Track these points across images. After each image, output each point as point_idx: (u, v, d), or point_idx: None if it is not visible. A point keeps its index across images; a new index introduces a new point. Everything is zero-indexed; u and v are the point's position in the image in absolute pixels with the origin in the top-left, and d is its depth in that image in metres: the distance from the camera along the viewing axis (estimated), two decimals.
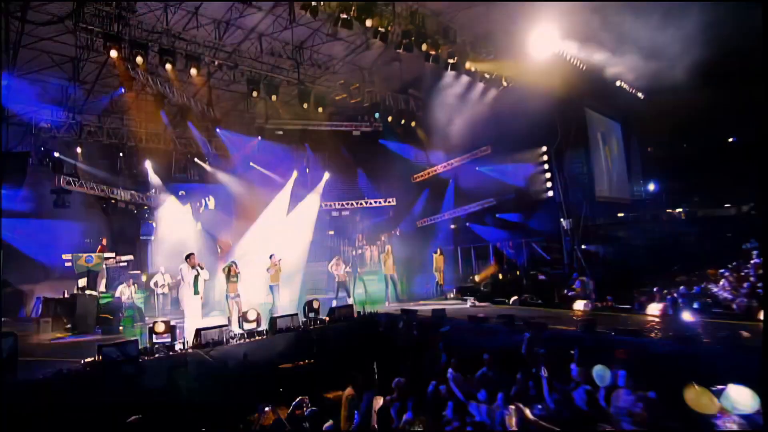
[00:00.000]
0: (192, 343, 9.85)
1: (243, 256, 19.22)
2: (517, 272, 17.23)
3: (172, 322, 9.83)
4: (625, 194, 21.91)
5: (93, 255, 15.07)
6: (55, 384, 7.91)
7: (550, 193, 18.20)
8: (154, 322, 9.62)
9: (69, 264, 14.88)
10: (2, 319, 14.63)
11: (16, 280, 17.03)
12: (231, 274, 11.80)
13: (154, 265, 16.90)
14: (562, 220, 18.26)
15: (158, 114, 17.27)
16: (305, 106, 17.93)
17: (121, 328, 13.92)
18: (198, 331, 9.87)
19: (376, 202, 21.91)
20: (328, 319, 11.89)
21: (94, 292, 14.64)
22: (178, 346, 9.66)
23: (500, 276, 16.28)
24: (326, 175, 22.51)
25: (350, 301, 14.52)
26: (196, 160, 20.38)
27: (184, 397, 8.76)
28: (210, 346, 9.75)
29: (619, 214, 20.97)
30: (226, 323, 10.47)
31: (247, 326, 10.55)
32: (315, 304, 11.66)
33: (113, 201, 16.64)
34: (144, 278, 16.84)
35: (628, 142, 22.47)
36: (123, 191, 17.18)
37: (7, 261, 16.46)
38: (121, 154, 18.61)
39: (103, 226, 16.54)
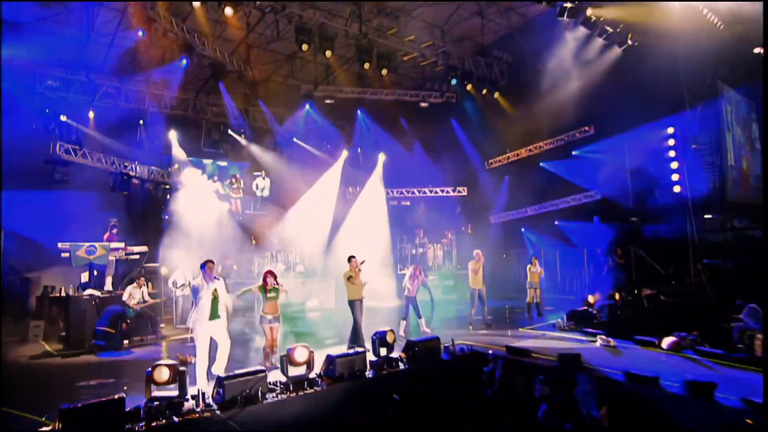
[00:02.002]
0: (211, 398, 6.43)
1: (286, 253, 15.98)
2: (634, 290, 13.25)
3: (182, 366, 6.37)
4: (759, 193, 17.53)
5: (96, 245, 11.85)
6: None
7: (677, 189, 14.08)
8: (154, 367, 6.18)
9: (66, 255, 11.72)
10: None
11: (22, 266, 14.18)
12: (267, 288, 8.34)
13: (169, 259, 13.64)
14: (687, 223, 14.21)
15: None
16: (366, 66, 14.23)
17: (125, 342, 10.74)
18: (220, 382, 6.41)
19: (443, 191, 18.11)
20: (404, 356, 8.31)
21: (96, 292, 11.48)
22: (189, 404, 6.25)
23: (617, 296, 12.33)
24: (382, 156, 18.90)
25: (425, 326, 10.90)
26: (229, 132, 17.03)
27: None
28: (238, 404, 6.29)
29: (706, 216, 16.68)
30: (262, 368, 6.91)
31: (293, 371, 7.04)
32: (389, 337, 8.06)
33: (125, 177, 13.34)
34: (163, 273, 13.67)
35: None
36: (139, 166, 13.86)
37: (13, 242, 13.66)
38: (141, 122, 15.34)
39: (114, 208, 13.31)
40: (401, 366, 8.03)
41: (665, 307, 12.51)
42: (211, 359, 7.43)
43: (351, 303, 9.25)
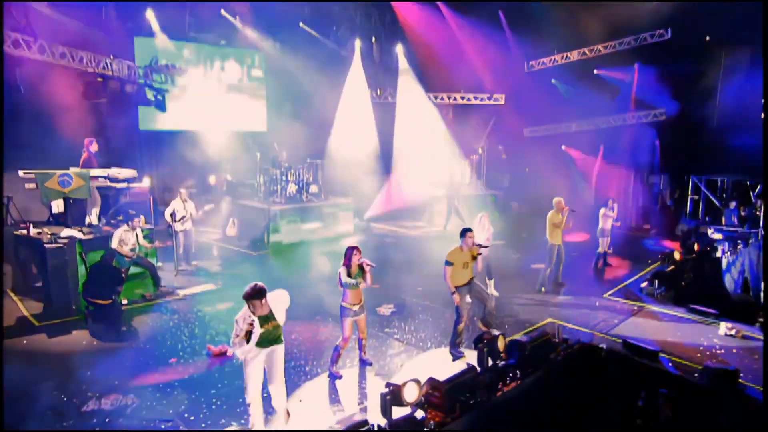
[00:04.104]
0: None
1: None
2: (697, 231, 11.67)
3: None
4: None
5: (72, 173, 9.09)
6: None
7: None
8: None
9: (31, 186, 8.97)
10: None
11: None
12: (353, 269, 6.17)
13: (163, 183, 11.04)
14: None
15: None
16: None
17: (124, 302, 8.57)
18: None
19: (476, 99, 15.43)
20: (504, 356, 6.54)
21: (77, 233, 8.99)
22: None
23: (695, 248, 10.67)
24: (400, 48, 15.87)
25: (493, 288, 9.10)
26: (222, 12, 13.44)
27: None
28: None
29: None
30: (362, 420, 4.96)
31: (397, 412, 5.18)
32: (500, 344, 6.21)
33: (100, 79, 10.07)
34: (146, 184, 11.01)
35: None
36: (115, 61, 10.50)
37: None
38: None
39: (89, 121, 10.22)
40: (512, 377, 6.28)
41: None
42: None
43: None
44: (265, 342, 4.91)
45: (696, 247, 10.73)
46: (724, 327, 7.66)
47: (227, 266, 10.90)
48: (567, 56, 14.87)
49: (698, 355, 6.94)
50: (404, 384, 5.15)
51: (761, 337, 7.54)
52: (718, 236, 11.43)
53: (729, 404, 5.82)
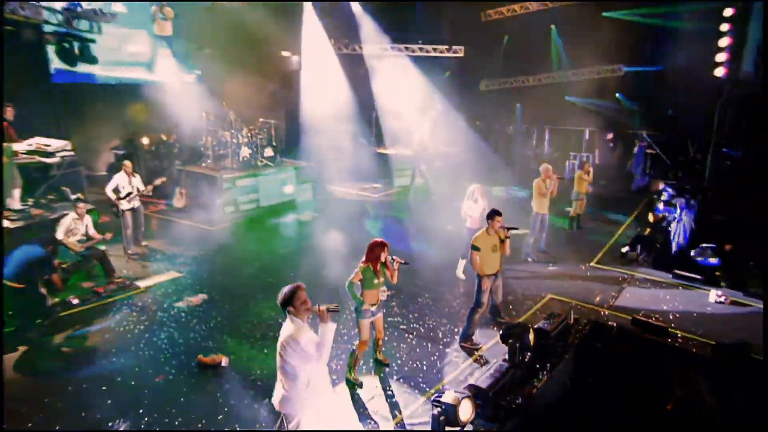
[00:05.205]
0: None
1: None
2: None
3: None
4: None
5: None
6: None
7: (718, 72, 12.03)
8: None
9: None
10: None
11: None
12: (377, 270, 5.43)
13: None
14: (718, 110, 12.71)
15: None
16: None
17: (75, 301, 7.31)
18: None
19: (436, 50, 14.49)
20: (533, 341, 6.24)
21: (4, 221, 7.48)
22: None
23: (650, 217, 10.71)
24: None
25: (462, 270, 8.65)
26: None
27: None
28: None
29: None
30: None
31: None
32: (531, 338, 5.86)
33: (11, 27, 8.06)
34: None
35: None
36: (29, 4, 8.42)
37: None
38: None
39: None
40: (540, 370, 6.01)
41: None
42: None
43: (479, 278, 6.49)
44: None
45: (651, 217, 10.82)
46: (713, 294, 7.85)
47: (185, 246, 9.65)
48: (527, 7, 14.28)
49: (700, 327, 7.03)
50: (459, 402, 4.68)
51: (749, 302, 7.82)
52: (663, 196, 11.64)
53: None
